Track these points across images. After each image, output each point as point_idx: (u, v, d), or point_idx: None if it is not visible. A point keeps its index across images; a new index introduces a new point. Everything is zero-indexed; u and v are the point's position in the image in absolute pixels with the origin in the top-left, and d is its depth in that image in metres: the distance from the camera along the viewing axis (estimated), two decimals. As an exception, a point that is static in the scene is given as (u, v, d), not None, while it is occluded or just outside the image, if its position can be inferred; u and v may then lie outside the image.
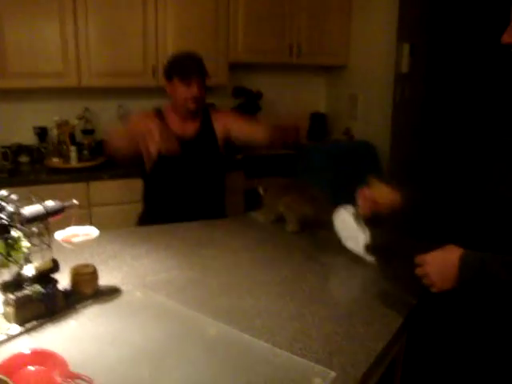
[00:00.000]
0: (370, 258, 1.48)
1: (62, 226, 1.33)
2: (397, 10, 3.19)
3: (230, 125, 2.26)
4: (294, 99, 3.90)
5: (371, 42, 3.44)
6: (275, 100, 3.75)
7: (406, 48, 3.27)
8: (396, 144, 3.36)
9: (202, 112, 2.25)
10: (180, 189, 2.16)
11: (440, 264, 1.15)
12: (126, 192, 2.88)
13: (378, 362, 1.07)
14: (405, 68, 3.30)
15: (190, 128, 2.21)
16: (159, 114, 2.21)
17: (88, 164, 2.94)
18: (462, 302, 1.33)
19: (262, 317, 1.19)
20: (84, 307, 1.20)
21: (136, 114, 2.33)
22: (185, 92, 2.10)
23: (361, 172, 2.96)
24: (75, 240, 1.29)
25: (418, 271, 1.19)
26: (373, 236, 1.49)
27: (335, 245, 1.65)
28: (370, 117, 3.47)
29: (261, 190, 1.99)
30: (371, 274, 1.45)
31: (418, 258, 1.20)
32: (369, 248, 1.48)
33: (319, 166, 2.97)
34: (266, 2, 3.31)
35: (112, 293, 1.28)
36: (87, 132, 3.17)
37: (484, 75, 3.36)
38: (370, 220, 1.51)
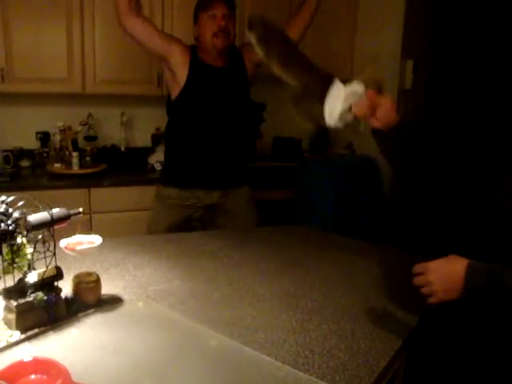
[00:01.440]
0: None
1: (66, 233, 1.33)
2: (401, 27, 3.22)
3: (255, 64, 2.21)
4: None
5: (375, 58, 3.46)
6: (278, 112, 3.76)
7: (410, 64, 3.29)
8: (398, 159, 3.36)
9: (232, 50, 2.19)
10: (206, 125, 2.08)
11: (444, 273, 1.11)
12: (127, 200, 2.89)
13: (379, 379, 1.06)
14: (408, 84, 3.32)
15: (220, 59, 2.16)
16: (193, 48, 2.17)
17: (90, 170, 2.94)
18: (464, 320, 1.33)
19: (264, 330, 1.18)
20: (86, 316, 1.20)
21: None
22: (211, 26, 2.03)
23: (362, 187, 2.98)
24: (79, 248, 1.29)
25: (419, 279, 1.15)
26: None
27: (340, 260, 1.65)
28: (373, 131, 3.48)
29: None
30: (374, 289, 1.45)
31: (419, 266, 1.16)
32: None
33: (320, 179, 2.98)
34: (272, 17, 3.32)
35: (114, 302, 1.28)
36: (90, 138, 3.18)
37: (487, 93, 3.39)
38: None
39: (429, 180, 1.54)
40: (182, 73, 2.09)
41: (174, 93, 2.14)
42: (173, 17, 3.08)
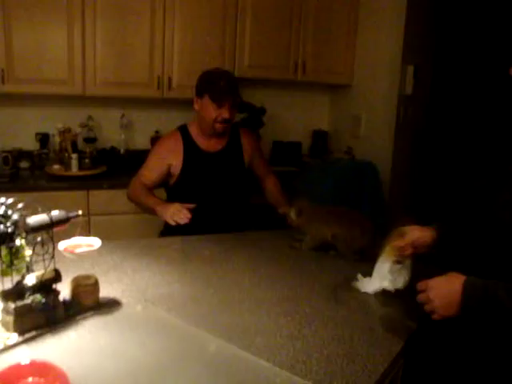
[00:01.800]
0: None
1: (65, 235, 1.32)
2: (402, 32, 3.23)
3: (253, 152, 2.26)
4: (297, 116, 3.92)
5: (376, 63, 3.47)
6: (278, 116, 3.77)
7: (411, 70, 3.30)
8: (398, 165, 3.37)
9: (230, 129, 2.21)
10: (203, 205, 2.08)
11: (443, 290, 1.15)
12: (126, 202, 2.86)
13: (377, 386, 1.06)
14: (408, 90, 3.32)
15: (216, 142, 2.18)
16: (184, 131, 2.19)
17: (89, 172, 2.94)
18: (462, 329, 1.33)
19: (263, 335, 1.18)
20: (84, 319, 1.19)
21: (160, 143, 2.27)
22: (214, 113, 2.05)
23: (361, 191, 2.98)
24: (77, 250, 1.29)
25: (421, 297, 1.19)
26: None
27: (339, 266, 1.65)
28: (373, 137, 3.49)
29: (293, 214, 1.86)
30: (373, 295, 1.45)
31: (421, 284, 1.20)
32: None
33: (319, 183, 2.98)
34: (273, 19, 3.34)
35: (112, 305, 1.27)
36: (89, 140, 3.18)
37: (488, 99, 3.39)
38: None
39: (429, 189, 1.55)
40: (176, 164, 2.13)
41: (171, 179, 2.18)
42: (174, 16, 3.08)
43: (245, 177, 2.24)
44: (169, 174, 2.17)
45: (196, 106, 2.12)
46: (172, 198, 2.18)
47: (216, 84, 2.04)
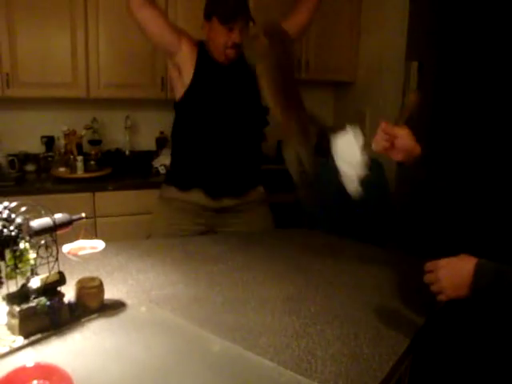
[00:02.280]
0: (357, 192, 1.40)
1: (70, 238, 1.33)
2: (406, 28, 3.21)
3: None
4: (301, 114, 3.90)
5: (380, 59, 3.45)
6: (282, 115, 3.75)
7: (415, 66, 3.28)
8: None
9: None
10: (213, 126, 1.97)
11: (454, 270, 1.12)
12: (132, 204, 2.89)
13: (383, 385, 1.06)
14: (413, 86, 3.30)
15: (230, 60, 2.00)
16: (201, 46, 2.02)
17: (94, 174, 2.96)
18: (471, 323, 1.32)
19: (267, 335, 1.18)
20: (89, 321, 1.20)
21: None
22: (225, 37, 1.89)
23: (367, 189, 2.96)
24: (81, 253, 1.29)
25: (429, 277, 1.16)
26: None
27: (344, 264, 1.64)
28: (377, 134, 3.47)
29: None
30: (379, 293, 1.44)
31: (430, 264, 1.17)
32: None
33: (325, 181, 2.97)
34: (276, 18, 3.33)
35: (117, 307, 1.28)
36: (94, 142, 3.19)
37: (492, 93, 3.37)
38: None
39: (436, 182, 1.53)
40: (188, 70, 1.97)
41: (179, 92, 2.02)
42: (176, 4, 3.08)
43: (257, 94, 1.98)
44: (170, 55, 2.01)
45: (204, 31, 1.98)
46: (179, 116, 2.09)
47: (224, 3, 1.88)
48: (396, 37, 3.28)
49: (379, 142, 1.38)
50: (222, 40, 1.90)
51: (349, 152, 1.42)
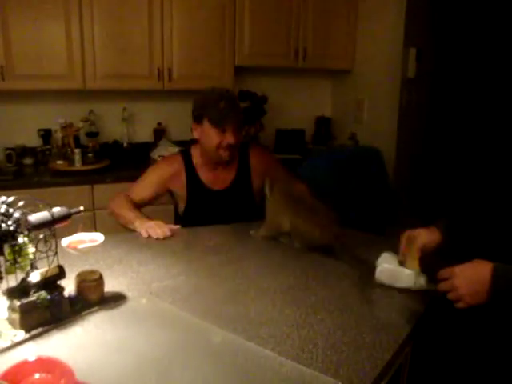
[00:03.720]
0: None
1: (69, 231, 1.33)
2: (403, 15, 3.19)
3: (267, 170, 2.00)
4: (299, 103, 3.90)
5: (377, 47, 3.43)
6: (280, 104, 3.75)
7: (413, 53, 3.26)
8: (402, 149, 3.35)
9: (239, 152, 2.02)
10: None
11: (470, 277, 1.11)
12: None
13: (384, 372, 1.06)
14: (411, 73, 3.29)
15: (223, 178, 2.01)
16: (186, 156, 2.01)
17: (92, 167, 2.95)
18: (472, 313, 1.32)
19: (268, 325, 1.18)
20: (90, 314, 1.20)
21: (161, 167, 2.07)
22: (218, 139, 1.85)
23: (366, 178, 2.96)
24: (81, 246, 1.29)
25: (445, 285, 1.15)
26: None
27: (344, 253, 1.64)
28: (376, 121, 3.47)
29: (267, 188, 1.74)
30: (377, 283, 1.44)
31: (445, 272, 1.17)
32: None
33: (323, 170, 2.96)
34: (272, 7, 3.31)
35: (118, 299, 1.28)
36: (92, 135, 3.18)
37: (491, 80, 3.35)
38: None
39: (433, 172, 1.53)
40: (183, 189, 2.00)
41: (180, 207, 2.05)
42: (172, 5, 3.06)
43: (254, 213, 2.02)
44: (172, 195, 2.07)
45: (195, 134, 1.93)
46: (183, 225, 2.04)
47: (215, 106, 1.84)
48: (394, 23, 3.26)
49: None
50: (215, 142, 1.86)
51: (397, 280, 1.41)
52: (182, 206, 2.04)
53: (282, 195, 1.72)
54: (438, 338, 1.44)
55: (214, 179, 2.01)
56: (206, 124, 1.86)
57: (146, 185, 2.01)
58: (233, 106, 1.87)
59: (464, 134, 3.38)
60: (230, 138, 1.84)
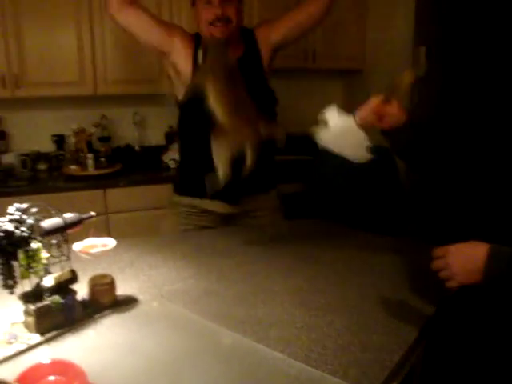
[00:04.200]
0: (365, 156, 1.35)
1: (81, 236, 1.35)
2: (413, 13, 3.18)
3: (276, 34, 1.94)
4: (309, 104, 3.88)
5: (388, 46, 3.42)
6: (290, 106, 3.74)
7: (423, 51, 3.25)
8: (412, 148, 3.33)
9: (244, 36, 1.92)
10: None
11: (465, 255, 1.10)
12: (143, 199, 2.92)
13: (393, 374, 1.06)
14: (421, 71, 3.26)
15: (231, 53, 1.82)
16: (197, 38, 1.89)
17: (105, 171, 2.99)
18: (483, 312, 1.31)
19: (277, 327, 1.19)
20: (102, 317, 1.22)
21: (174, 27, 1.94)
22: (206, 13, 1.77)
23: (377, 178, 2.95)
24: (93, 251, 1.32)
25: (437, 263, 1.14)
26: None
27: (355, 254, 1.64)
28: (387, 121, 3.45)
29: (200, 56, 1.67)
30: (389, 283, 1.44)
31: (440, 249, 1.15)
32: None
33: (335, 170, 2.96)
34: (281, 6, 3.31)
35: (129, 302, 1.30)
36: (104, 139, 3.22)
37: (501, 78, 3.32)
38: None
39: (443, 172, 1.53)
40: (186, 68, 1.84)
41: (180, 92, 1.90)
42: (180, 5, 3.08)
43: (265, 87, 1.95)
44: (163, 55, 1.94)
45: (195, 20, 1.87)
46: (183, 119, 1.99)
47: None
48: (403, 22, 3.25)
49: (366, 118, 1.38)
50: (204, 18, 1.79)
51: (346, 136, 1.39)
52: (183, 87, 1.89)
53: (215, 68, 1.57)
54: (450, 338, 1.44)
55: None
56: (197, 3, 1.82)
57: (153, 19, 1.88)
58: None
59: (475, 131, 3.35)
60: (216, 10, 1.76)
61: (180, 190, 2.08)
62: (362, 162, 1.33)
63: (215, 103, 1.52)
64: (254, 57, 1.93)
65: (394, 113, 1.37)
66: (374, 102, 1.38)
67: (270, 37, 1.95)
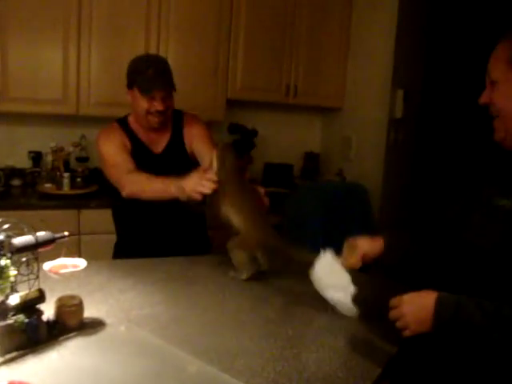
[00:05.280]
0: (354, 311, 1.40)
1: (52, 255, 1.34)
2: (392, 56, 3.30)
3: (195, 142, 2.05)
4: (288, 138, 3.97)
5: (366, 87, 3.53)
6: (270, 138, 3.81)
7: (400, 94, 3.36)
8: (388, 187, 3.41)
9: (174, 118, 2.07)
10: (153, 213, 1.95)
11: (416, 305, 1.16)
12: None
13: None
14: (398, 113, 3.38)
15: (159, 139, 2.03)
16: (124, 124, 2.03)
17: (80, 191, 2.96)
18: (443, 351, 1.34)
19: (244, 357, 1.19)
20: (67, 339, 1.20)
21: (104, 139, 2.02)
22: (146, 105, 1.88)
23: (351, 213, 3.00)
24: (63, 271, 1.30)
25: (393, 313, 1.20)
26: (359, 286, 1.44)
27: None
28: (363, 159, 3.54)
29: (215, 162, 1.65)
30: (356, 319, 1.45)
31: (394, 300, 1.21)
32: (356, 299, 1.40)
33: (310, 205, 3.00)
34: (265, 42, 3.41)
35: (96, 326, 1.28)
36: (82, 159, 3.20)
37: (475, 121, 3.45)
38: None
39: (417, 210, 1.60)
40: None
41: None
42: (168, 37, 3.14)
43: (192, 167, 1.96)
44: None
45: (128, 98, 1.97)
46: (120, 208, 2.07)
47: (144, 74, 1.87)
48: (382, 64, 3.37)
49: (351, 260, 1.48)
50: (143, 107, 1.90)
51: (332, 276, 1.45)
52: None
53: (232, 174, 1.64)
54: (412, 378, 1.45)
55: (151, 139, 2.03)
56: (136, 90, 1.90)
57: (125, 158, 1.92)
58: (162, 73, 1.90)
59: (449, 173, 3.45)
60: (158, 105, 1.88)
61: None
62: (349, 315, 1.41)
63: (231, 211, 1.62)
64: (180, 146, 2.06)
65: (366, 248, 1.49)
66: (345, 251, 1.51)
67: (191, 137, 2.08)
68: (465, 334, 1.11)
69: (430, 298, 1.13)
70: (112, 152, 1.95)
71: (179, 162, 2.03)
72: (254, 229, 1.63)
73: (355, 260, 1.47)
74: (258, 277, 1.74)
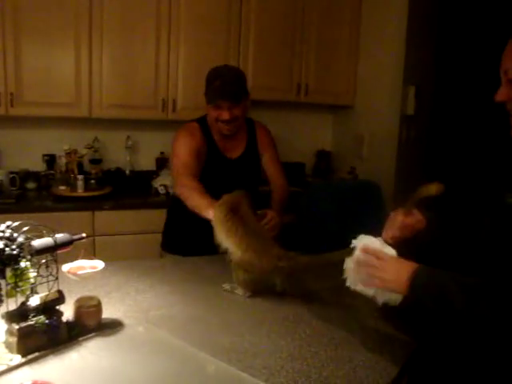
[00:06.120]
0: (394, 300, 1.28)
1: (70, 257, 1.35)
2: (403, 53, 3.28)
3: (266, 156, 2.16)
4: (300, 137, 3.96)
5: (377, 84, 3.51)
6: (282, 137, 3.79)
7: (412, 90, 3.34)
8: (400, 185, 3.39)
9: (247, 125, 2.14)
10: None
11: (401, 266, 1.18)
12: (131, 223, 2.91)
13: (376, 408, 1.07)
14: (410, 110, 3.36)
15: (235, 145, 2.11)
16: (204, 126, 2.06)
17: (94, 193, 2.98)
18: (465, 346, 1.32)
19: (262, 356, 1.19)
20: (86, 340, 1.21)
21: (183, 136, 2.05)
22: (214, 114, 1.96)
23: (365, 211, 2.99)
24: (81, 272, 1.31)
25: (374, 261, 1.21)
26: None
27: (341, 286, 1.65)
28: (375, 157, 3.52)
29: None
30: (375, 316, 1.45)
31: (381, 253, 1.24)
32: None
33: (323, 203, 3.00)
34: (276, 42, 3.41)
35: (115, 326, 1.29)
36: (95, 161, 3.22)
37: (488, 118, 3.42)
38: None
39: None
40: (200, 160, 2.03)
41: None
42: (179, 39, 3.15)
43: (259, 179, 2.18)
44: None
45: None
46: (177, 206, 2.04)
47: (211, 84, 1.94)
48: (393, 61, 3.35)
49: (395, 237, 1.40)
50: (213, 116, 1.97)
51: None
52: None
53: (226, 212, 1.63)
54: (432, 373, 1.44)
55: (227, 147, 2.08)
56: (207, 100, 1.97)
57: (192, 162, 1.98)
58: (229, 84, 1.91)
59: (463, 170, 3.43)
60: (224, 115, 1.92)
61: (168, 249, 2.17)
62: (392, 304, 1.28)
63: (227, 241, 1.58)
64: (254, 152, 2.14)
65: (415, 223, 1.42)
66: (398, 218, 1.42)
67: (263, 146, 2.16)
68: (437, 309, 1.12)
69: (412, 264, 1.15)
70: (184, 152, 2.00)
71: (253, 169, 2.14)
72: (257, 259, 1.55)
73: (395, 231, 1.40)
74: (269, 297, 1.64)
